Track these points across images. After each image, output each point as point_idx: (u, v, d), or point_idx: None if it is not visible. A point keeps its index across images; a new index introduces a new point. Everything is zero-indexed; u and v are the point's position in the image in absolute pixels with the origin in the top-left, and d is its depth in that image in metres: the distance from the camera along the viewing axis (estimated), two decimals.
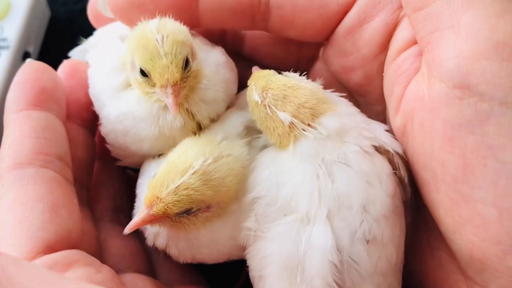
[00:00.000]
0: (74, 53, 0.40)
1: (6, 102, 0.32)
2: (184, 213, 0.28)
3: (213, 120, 0.33)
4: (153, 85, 0.30)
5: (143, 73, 0.30)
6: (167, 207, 0.27)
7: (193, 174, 0.27)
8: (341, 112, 0.30)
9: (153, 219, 0.28)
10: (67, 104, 0.35)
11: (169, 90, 0.29)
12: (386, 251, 0.28)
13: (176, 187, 0.27)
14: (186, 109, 0.32)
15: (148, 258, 0.35)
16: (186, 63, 0.30)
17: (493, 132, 0.24)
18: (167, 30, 0.30)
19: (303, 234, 0.27)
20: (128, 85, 0.33)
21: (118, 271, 0.31)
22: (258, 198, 0.29)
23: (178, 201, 0.27)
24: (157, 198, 0.27)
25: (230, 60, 0.35)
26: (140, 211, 0.28)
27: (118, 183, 0.38)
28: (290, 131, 0.29)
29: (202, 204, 0.28)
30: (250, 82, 0.32)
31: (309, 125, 0.29)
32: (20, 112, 0.31)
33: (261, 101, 0.30)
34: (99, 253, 0.33)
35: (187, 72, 0.30)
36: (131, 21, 0.33)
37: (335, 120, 0.29)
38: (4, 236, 0.27)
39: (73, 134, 0.34)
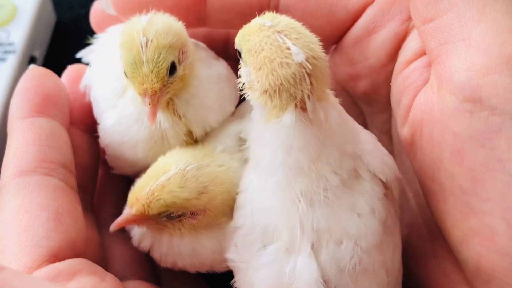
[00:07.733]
0: (83, 54, 0.38)
1: (9, 109, 0.32)
2: (165, 217, 0.29)
3: (205, 131, 0.32)
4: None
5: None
6: (145, 207, 0.28)
7: (168, 178, 0.28)
8: (341, 110, 0.27)
9: (136, 220, 0.29)
10: (71, 109, 0.35)
11: (147, 100, 0.28)
12: (377, 278, 0.27)
13: (151, 189, 0.28)
14: (174, 110, 0.30)
15: (152, 265, 0.35)
16: (173, 68, 0.28)
17: (504, 145, 0.24)
18: (154, 31, 0.28)
19: (286, 265, 0.26)
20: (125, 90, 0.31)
21: (122, 278, 0.31)
22: (236, 227, 0.28)
23: (154, 202, 0.28)
24: (136, 199, 0.28)
25: (233, 76, 0.33)
26: (124, 211, 0.29)
27: (123, 188, 0.38)
28: (294, 87, 0.24)
29: (182, 209, 0.28)
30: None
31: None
32: (24, 119, 0.31)
33: (271, 26, 0.24)
34: (103, 260, 0.33)
35: (172, 78, 0.29)
36: None
37: (336, 114, 0.25)
38: (9, 244, 0.27)
39: (77, 140, 0.34)
